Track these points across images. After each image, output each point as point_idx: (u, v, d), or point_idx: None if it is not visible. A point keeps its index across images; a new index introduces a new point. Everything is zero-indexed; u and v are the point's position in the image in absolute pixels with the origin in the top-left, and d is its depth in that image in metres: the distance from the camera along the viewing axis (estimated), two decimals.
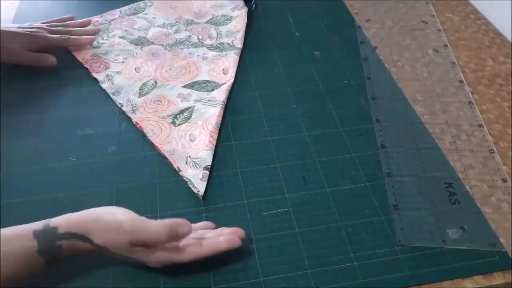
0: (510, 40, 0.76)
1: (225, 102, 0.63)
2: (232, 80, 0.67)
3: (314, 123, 0.61)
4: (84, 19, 0.76)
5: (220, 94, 0.64)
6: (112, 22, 0.77)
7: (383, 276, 0.46)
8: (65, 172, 0.55)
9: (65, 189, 0.53)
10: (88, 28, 0.75)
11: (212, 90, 0.65)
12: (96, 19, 0.78)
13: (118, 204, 0.46)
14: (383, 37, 0.77)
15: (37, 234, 0.41)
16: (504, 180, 0.55)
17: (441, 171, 0.56)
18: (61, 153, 0.57)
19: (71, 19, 0.76)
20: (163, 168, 0.55)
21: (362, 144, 0.59)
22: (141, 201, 0.52)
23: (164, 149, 0.57)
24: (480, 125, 0.61)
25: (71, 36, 0.70)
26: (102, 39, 0.74)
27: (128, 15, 0.79)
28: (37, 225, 0.42)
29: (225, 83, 0.66)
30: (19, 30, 0.67)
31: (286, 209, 0.51)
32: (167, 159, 0.56)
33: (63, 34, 0.69)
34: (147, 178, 0.54)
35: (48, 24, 0.71)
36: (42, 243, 0.41)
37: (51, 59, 0.67)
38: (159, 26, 0.77)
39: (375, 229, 0.50)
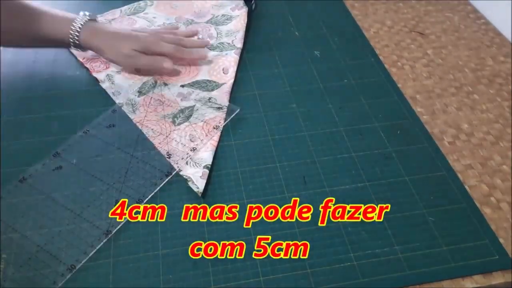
0: (510, 39, 0.77)
1: (227, 105, 0.63)
2: (232, 80, 0.67)
3: (314, 122, 0.61)
4: (191, 30, 0.74)
5: (222, 96, 0.64)
6: (112, 22, 0.77)
7: (383, 275, 0.46)
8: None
9: (66, 188, 0.53)
10: (199, 40, 0.73)
11: (213, 90, 0.65)
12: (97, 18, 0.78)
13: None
14: (383, 37, 0.77)
15: None
16: (504, 180, 0.55)
17: (440, 170, 0.56)
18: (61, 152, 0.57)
19: (177, 28, 0.74)
20: (164, 168, 0.55)
21: (362, 144, 0.59)
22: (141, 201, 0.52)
23: (164, 149, 0.57)
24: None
25: (184, 49, 0.67)
26: None
27: (128, 15, 0.79)
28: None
29: (225, 83, 0.66)
30: (133, 33, 0.66)
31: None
32: (166, 159, 0.56)
33: (176, 45, 0.67)
34: (147, 177, 0.54)
35: (160, 31, 0.69)
36: None
37: (167, 64, 0.65)
38: (159, 26, 0.77)
39: (375, 228, 0.50)
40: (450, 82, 0.69)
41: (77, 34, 0.63)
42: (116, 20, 0.77)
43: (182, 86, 0.66)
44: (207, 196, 0.53)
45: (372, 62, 0.71)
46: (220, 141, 0.59)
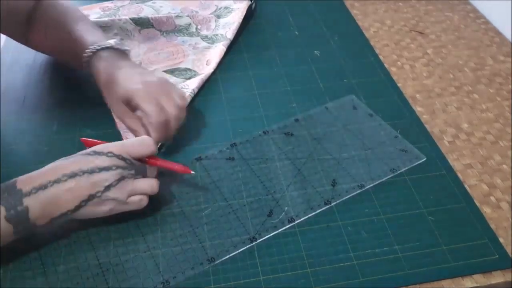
0: (509, 39, 0.76)
1: (195, 91, 0.64)
2: (212, 70, 0.67)
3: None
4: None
5: (193, 82, 0.65)
6: (121, 8, 0.78)
7: (383, 275, 0.46)
8: None
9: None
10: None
11: (190, 78, 0.66)
12: (106, 4, 0.79)
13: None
14: (383, 37, 0.77)
15: (2, 199, 0.41)
16: (504, 180, 0.55)
17: (440, 170, 0.56)
18: (60, 153, 0.57)
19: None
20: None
21: (362, 143, 0.59)
22: None
23: (121, 126, 0.58)
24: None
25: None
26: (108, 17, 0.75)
27: (137, 3, 0.80)
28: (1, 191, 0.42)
29: (203, 73, 0.67)
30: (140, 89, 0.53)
31: (286, 208, 0.51)
32: (121, 135, 0.58)
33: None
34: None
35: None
36: (9, 207, 0.41)
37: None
38: (164, 15, 0.77)
39: (375, 228, 0.50)
40: (450, 82, 0.69)
41: (90, 54, 0.55)
42: (124, 7, 0.78)
43: (163, 71, 0.67)
44: (207, 195, 0.53)
45: (372, 62, 0.71)
46: (219, 140, 0.59)
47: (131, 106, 0.53)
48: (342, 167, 0.55)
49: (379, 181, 0.54)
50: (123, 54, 0.57)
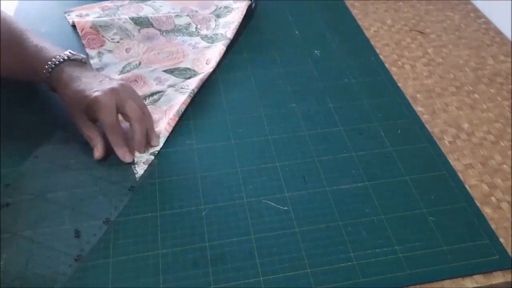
0: (510, 38, 0.76)
1: (195, 91, 0.63)
2: (211, 69, 0.67)
3: (314, 122, 0.61)
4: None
5: (193, 82, 0.64)
6: (120, 8, 0.78)
7: (383, 275, 0.46)
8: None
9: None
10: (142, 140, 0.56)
11: (189, 77, 0.66)
12: (106, 4, 0.79)
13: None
14: (383, 36, 0.77)
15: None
16: (504, 180, 0.55)
17: (440, 170, 0.56)
18: (61, 153, 0.57)
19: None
20: (163, 167, 0.55)
21: (362, 143, 0.59)
22: (141, 200, 0.52)
23: (122, 126, 0.58)
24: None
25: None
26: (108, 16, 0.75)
27: (137, 2, 0.80)
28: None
29: (203, 72, 0.67)
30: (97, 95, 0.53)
31: (286, 208, 0.51)
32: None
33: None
34: (146, 176, 0.55)
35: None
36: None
37: (96, 153, 0.55)
38: (163, 14, 0.77)
39: (375, 228, 0.50)
40: (450, 81, 0.68)
41: (50, 70, 0.56)
42: (124, 6, 0.78)
43: (163, 71, 0.67)
44: (207, 195, 0.53)
45: (372, 61, 0.71)
46: (219, 140, 0.59)
47: (90, 115, 0.55)
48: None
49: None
50: (81, 63, 0.58)
